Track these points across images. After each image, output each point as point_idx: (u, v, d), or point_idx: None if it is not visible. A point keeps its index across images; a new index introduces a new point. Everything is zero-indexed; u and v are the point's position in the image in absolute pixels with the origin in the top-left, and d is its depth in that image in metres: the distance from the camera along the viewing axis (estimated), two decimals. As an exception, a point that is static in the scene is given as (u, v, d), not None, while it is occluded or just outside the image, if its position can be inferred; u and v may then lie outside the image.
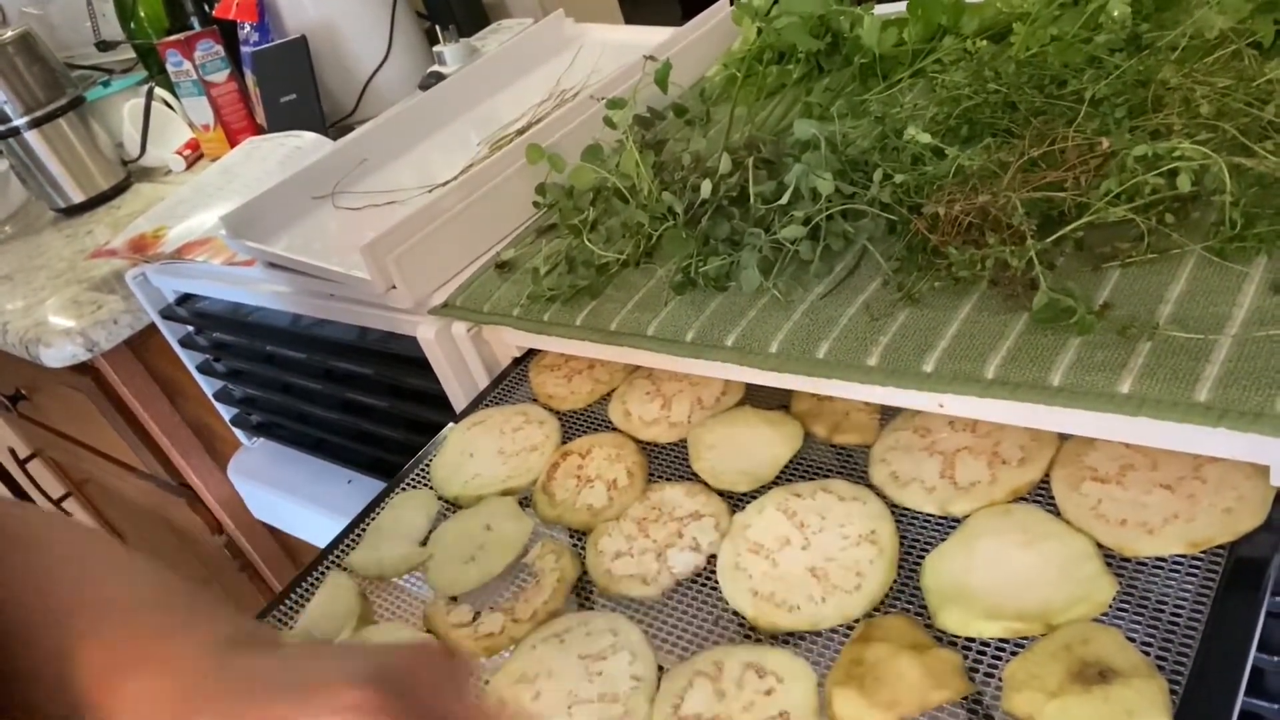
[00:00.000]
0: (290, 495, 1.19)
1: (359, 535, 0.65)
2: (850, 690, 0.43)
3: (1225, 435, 0.42)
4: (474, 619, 0.55)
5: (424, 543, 0.63)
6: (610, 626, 0.51)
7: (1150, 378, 0.44)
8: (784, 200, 0.63)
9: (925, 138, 0.61)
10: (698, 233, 0.66)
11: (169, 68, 1.39)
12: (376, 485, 1.04)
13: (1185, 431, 0.43)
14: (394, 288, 0.77)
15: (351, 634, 0.58)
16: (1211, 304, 0.46)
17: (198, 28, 1.39)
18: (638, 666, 0.48)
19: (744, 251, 0.62)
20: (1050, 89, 0.62)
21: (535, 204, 0.84)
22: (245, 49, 1.35)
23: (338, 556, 0.64)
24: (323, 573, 0.63)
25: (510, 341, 0.76)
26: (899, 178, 0.60)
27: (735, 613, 0.50)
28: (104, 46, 1.69)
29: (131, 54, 1.61)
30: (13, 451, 1.79)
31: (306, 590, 0.63)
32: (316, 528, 1.16)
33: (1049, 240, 0.51)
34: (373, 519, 0.66)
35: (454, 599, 0.58)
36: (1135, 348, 0.46)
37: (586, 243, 0.72)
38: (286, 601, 0.62)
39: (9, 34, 1.32)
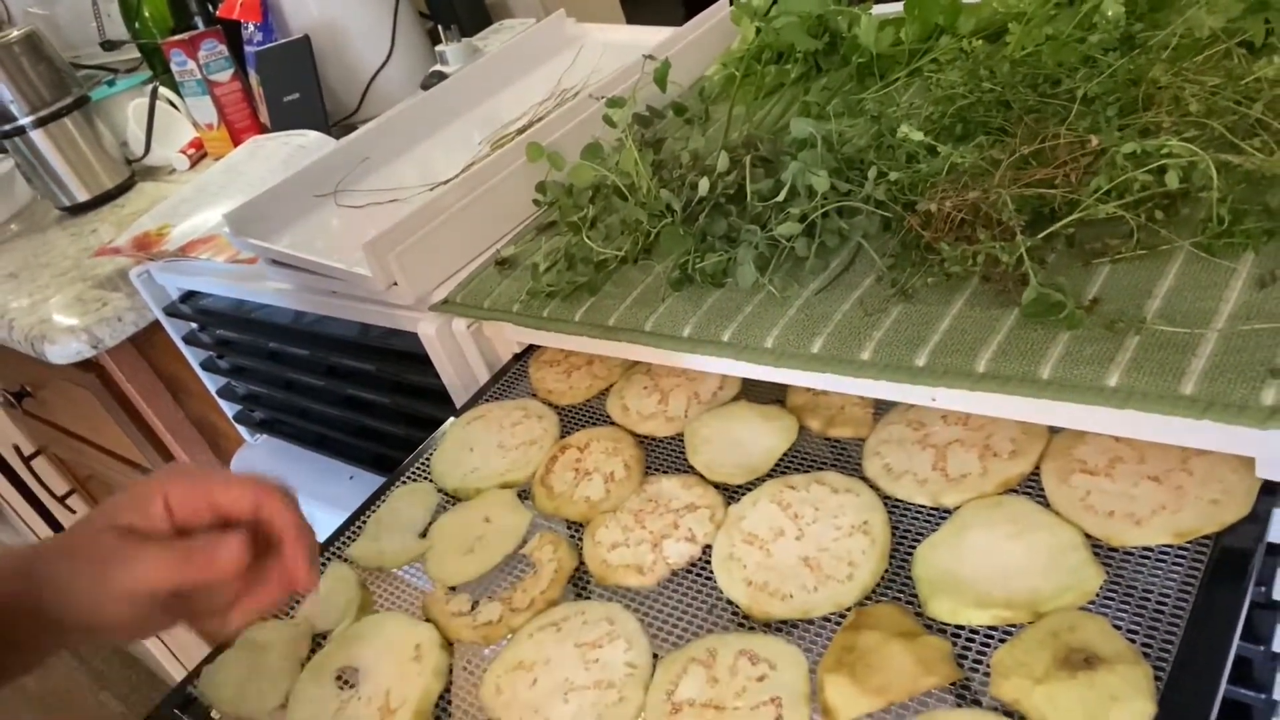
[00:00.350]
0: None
1: (360, 527, 0.66)
2: (841, 676, 0.43)
3: (1210, 427, 0.43)
4: (472, 608, 0.56)
5: (424, 534, 0.64)
6: (606, 615, 0.52)
7: (1137, 371, 0.45)
8: (780, 198, 0.64)
9: (918, 136, 0.61)
10: (695, 230, 0.66)
11: (173, 67, 1.40)
12: (378, 481, 1.04)
13: (1171, 424, 0.44)
14: (395, 284, 0.78)
15: (352, 623, 0.58)
16: (1199, 299, 0.47)
17: (202, 27, 1.40)
18: (633, 654, 0.49)
19: (741, 248, 0.63)
20: (1044, 88, 0.63)
21: (535, 202, 0.85)
22: (249, 49, 1.36)
23: (339, 548, 0.65)
24: (324, 564, 0.64)
25: (510, 337, 0.77)
26: (893, 175, 0.61)
27: (729, 602, 0.51)
28: (109, 46, 1.70)
29: (136, 54, 1.62)
30: (17, 448, 1.80)
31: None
32: (319, 524, 1.15)
33: (1040, 236, 0.52)
34: (373, 511, 0.67)
35: (453, 589, 0.58)
36: (1123, 342, 0.47)
37: (586, 240, 0.73)
38: (288, 592, 0.63)
39: (15, 34, 1.33)
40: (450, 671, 0.54)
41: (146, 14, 1.50)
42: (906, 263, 0.58)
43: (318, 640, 0.59)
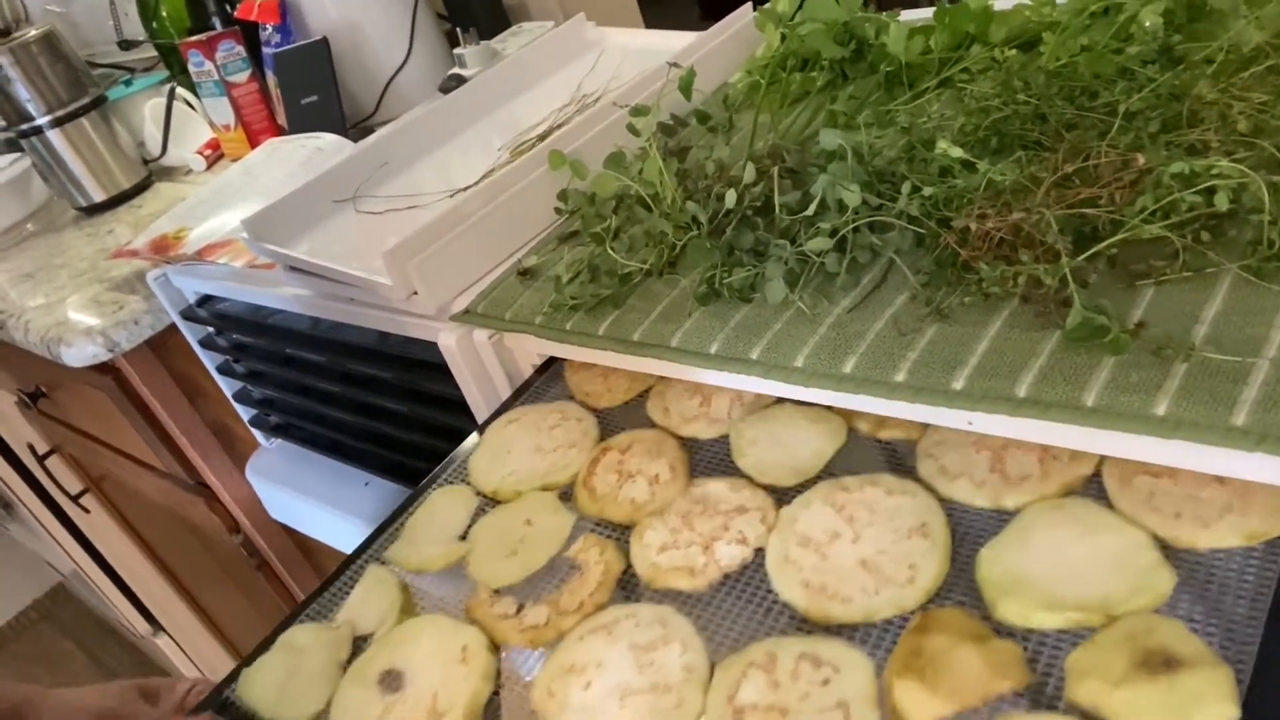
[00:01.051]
0: (307, 496, 1.19)
1: (397, 530, 0.66)
2: (911, 680, 0.43)
3: (1263, 459, 0.42)
4: (518, 611, 0.56)
5: (463, 537, 0.63)
6: (659, 618, 0.52)
7: (1187, 400, 0.44)
8: (810, 211, 0.62)
9: (957, 152, 0.60)
10: (722, 243, 0.65)
11: (190, 68, 1.40)
12: (393, 488, 1.04)
13: (1222, 455, 0.43)
14: (415, 294, 0.77)
15: (393, 626, 0.58)
16: (1248, 325, 0.46)
17: (219, 28, 1.39)
18: (689, 657, 0.49)
19: (769, 263, 0.61)
20: (1081, 101, 0.62)
21: (557, 210, 0.83)
22: (267, 50, 1.35)
23: (377, 550, 0.65)
24: (361, 567, 0.64)
25: (532, 349, 0.75)
26: (927, 190, 0.59)
27: (786, 605, 0.50)
28: (126, 46, 1.69)
29: (153, 53, 1.62)
30: (31, 447, 1.79)
31: (344, 584, 0.63)
32: (333, 529, 1.17)
33: (1082, 257, 0.51)
34: (410, 514, 0.67)
35: (497, 591, 0.58)
36: (1171, 369, 0.45)
37: (609, 251, 0.72)
38: (325, 594, 0.63)
39: (32, 33, 1.33)
40: (499, 674, 0.54)
41: (164, 14, 1.49)
42: (941, 281, 0.56)
43: (358, 643, 0.59)
